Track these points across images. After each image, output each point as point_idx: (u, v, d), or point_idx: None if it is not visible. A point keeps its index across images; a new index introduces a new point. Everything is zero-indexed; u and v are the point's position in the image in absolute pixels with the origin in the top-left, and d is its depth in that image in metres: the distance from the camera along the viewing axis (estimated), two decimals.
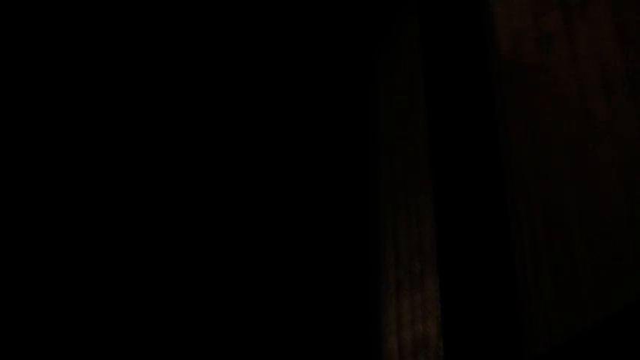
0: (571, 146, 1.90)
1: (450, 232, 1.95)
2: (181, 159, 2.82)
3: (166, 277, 2.66)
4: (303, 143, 2.85)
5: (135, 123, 2.85)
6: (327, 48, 2.96)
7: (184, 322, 2.59)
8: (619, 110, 1.84)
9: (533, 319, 1.88)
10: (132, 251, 2.69)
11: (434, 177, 2.10)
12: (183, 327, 2.60)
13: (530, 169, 1.99)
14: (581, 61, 1.97)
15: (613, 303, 1.67)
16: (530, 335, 1.89)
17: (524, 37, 2.17)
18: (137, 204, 2.72)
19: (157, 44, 3.00)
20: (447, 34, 2.20)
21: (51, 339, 2.51)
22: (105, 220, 2.70)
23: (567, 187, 1.86)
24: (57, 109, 2.84)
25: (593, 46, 1.94)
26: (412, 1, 2.65)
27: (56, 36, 2.88)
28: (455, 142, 2.14)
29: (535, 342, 1.89)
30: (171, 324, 2.60)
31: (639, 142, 1.76)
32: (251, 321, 2.52)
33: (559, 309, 1.76)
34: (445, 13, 2.24)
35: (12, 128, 2.75)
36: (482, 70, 2.20)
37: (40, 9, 2.82)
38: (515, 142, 2.09)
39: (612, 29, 1.92)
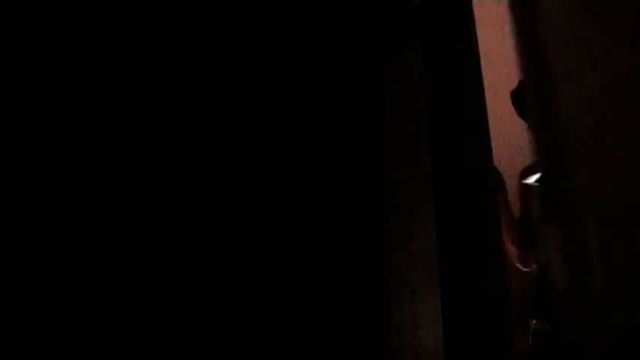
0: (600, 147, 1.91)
1: (454, 236, 1.95)
2: (182, 157, 2.82)
3: (166, 275, 2.67)
4: (312, 143, 2.83)
5: (145, 122, 2.85)
6: (333, 48, 2.94)
7: (188, 322, 2.60)
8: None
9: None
10: (140, 250, 2.70)
11: (434, 176, 2.09)
12: (187, 326, 2.62)
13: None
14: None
15: None
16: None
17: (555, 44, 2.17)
18: (153, 202, 2.73)
19: (157, 42, 3.00)
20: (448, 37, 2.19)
21: (51, 339, 2.53)
22: (104, 220, 2.71)
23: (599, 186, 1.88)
24: (57, 109, 2.85)
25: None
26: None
27: (56, 36, 2.88)
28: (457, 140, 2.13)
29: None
30: (173, 323, 2.61)
31: None
32: (260, 321, 2.53)
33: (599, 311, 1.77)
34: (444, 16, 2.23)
35: (12, 128, 2.77)
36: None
37: (40, 9, 2.82)
38: (550, 144, 2.12)
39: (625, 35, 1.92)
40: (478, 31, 1.95)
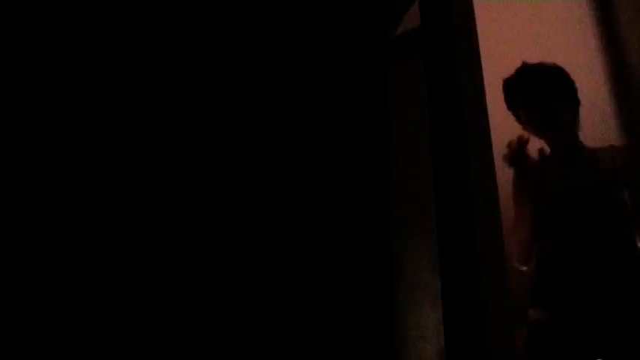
0: None
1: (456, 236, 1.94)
2: (187, 155, 2.80)
3: (174, 275, 2.66)
4: (323, 146, 2.80)
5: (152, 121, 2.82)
6: (343, 43, 2.91)
7: (198, 322, 2.58)
8: None
9: None
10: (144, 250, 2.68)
11: (434, 177, 2.07)
12: (197, 327, 2.60)
13: None
14: None
15: None
16: None
17: None
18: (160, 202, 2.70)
19: (157, 42, 2.97)
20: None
21: (50, 339, 2.51)
22: (104, 220, 2.69)
23: None
24: (57, 109, 2.83)
25: None
26: None
27: (56, 36, 2.86)
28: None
29: None
30: (181, 324, 2.59)
31: None
32: (277, 324, 2.50)
33: None
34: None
35: (12, 128, 2.74)
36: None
37: (40, 9, 2.80)
38: None
39: None
40: (479, 30, 1.93)
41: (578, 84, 2.16)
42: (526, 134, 2.22)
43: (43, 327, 2.53)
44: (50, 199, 2.67)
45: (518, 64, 2.25)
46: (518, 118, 2.23)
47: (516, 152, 2.22)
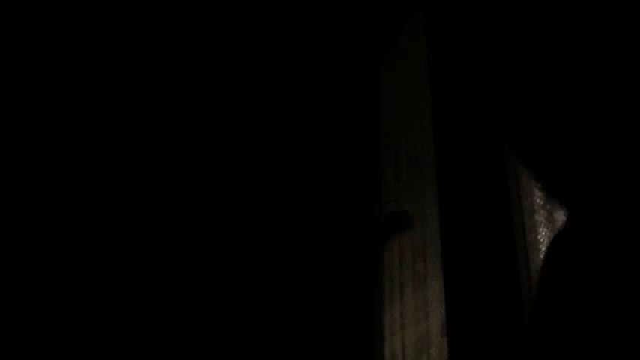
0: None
1: (457, 230, 1.85)
2: (179, 154, 2.74)
3: (164, 275, 2.59)
4: (305, 140, 2.75)
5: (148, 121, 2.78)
6: (331, 42, 2.86)
7: (187, 321, 2.52)
8: None
9: None
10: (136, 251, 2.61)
11: (438, 173, 1.98)
12: (186, 326, 2.53)
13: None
14: None
15: None
16: None
17: None
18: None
19: (157, 42, 2.93)
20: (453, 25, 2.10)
21: (50, 339, 2.44)
22: (103, 220, 2.62)
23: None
24: (56, 109, 2.78)
25: None
26: None
27: (56, 36, 2.81)
28: (461, 138, 2.02)
29: None
30: (171, 324, 2.53)
31: None
32: (249, 322, 2.43)
33: None
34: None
35: (11, 128, 2.69)
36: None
37: (40, 9, 2.76)
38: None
39: None
40: None
41: None
42: None
43: (42, 326, 2.44)
44: (49, 198, 2.60)
45: None
46: None
47: None
